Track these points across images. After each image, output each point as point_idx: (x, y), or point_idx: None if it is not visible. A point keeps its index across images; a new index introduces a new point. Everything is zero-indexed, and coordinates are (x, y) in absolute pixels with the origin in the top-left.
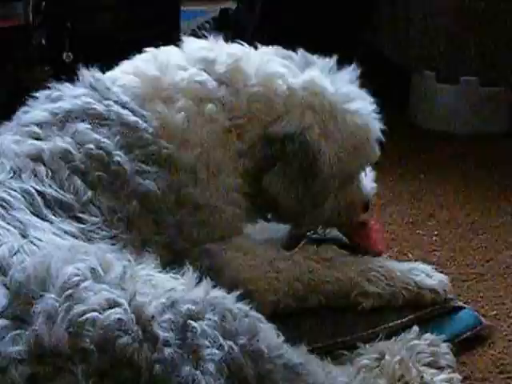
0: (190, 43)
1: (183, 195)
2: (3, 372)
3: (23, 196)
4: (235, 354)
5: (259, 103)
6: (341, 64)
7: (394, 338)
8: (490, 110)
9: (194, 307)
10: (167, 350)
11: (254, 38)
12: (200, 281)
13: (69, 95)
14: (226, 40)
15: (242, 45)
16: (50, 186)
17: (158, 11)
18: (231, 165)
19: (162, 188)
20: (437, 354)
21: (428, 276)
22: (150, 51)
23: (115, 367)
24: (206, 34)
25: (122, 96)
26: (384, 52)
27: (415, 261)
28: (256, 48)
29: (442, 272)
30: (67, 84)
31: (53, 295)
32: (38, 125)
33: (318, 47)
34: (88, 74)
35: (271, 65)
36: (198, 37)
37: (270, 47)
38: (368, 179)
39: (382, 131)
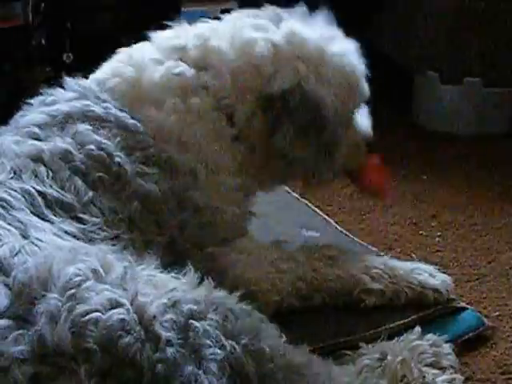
0: (158, 35)
1: (184, 198)
2: (6, 372)
3: (24, 196)
4: (237, 354)
5: (245, 73)
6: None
7: (396, 339)
8: (492, 110)
9: (195, 307)
10: (169, 350)
11: None
12: (202, 281)
13: (63, 99)
14: None
15: (206, 22)
16: (51, 186)
17: (158, 11)
18: (229, 156)
19: (163, 190)
20: (439, 354)
21: (431, 276)
22: (124, 51)
23: (118, 367)
24: None
25: (112, 101)
26: (385, 52)
27: (418, 261)
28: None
29: (444, 273)
30: (59, 89)
31: (55, 295)
32: (37, 126)
33: None
34: (73, 82)
35: (245, 31)
36: None
37: (234, 12)
38: (362, 117)
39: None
